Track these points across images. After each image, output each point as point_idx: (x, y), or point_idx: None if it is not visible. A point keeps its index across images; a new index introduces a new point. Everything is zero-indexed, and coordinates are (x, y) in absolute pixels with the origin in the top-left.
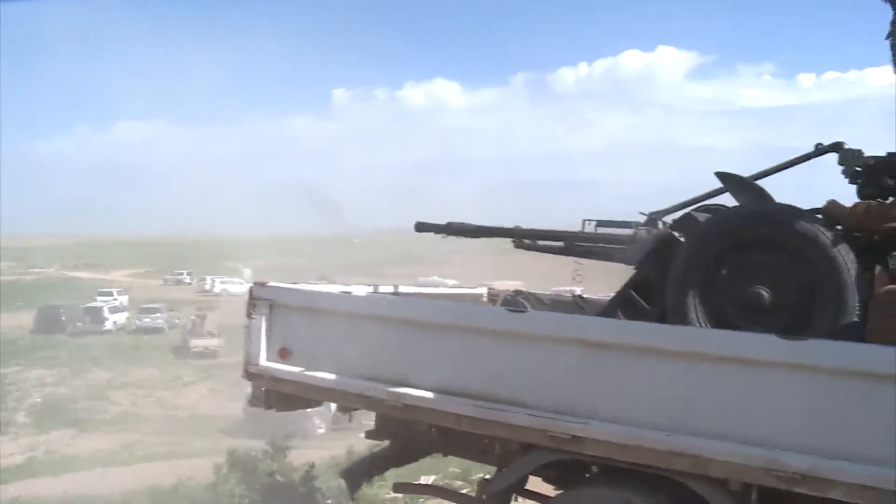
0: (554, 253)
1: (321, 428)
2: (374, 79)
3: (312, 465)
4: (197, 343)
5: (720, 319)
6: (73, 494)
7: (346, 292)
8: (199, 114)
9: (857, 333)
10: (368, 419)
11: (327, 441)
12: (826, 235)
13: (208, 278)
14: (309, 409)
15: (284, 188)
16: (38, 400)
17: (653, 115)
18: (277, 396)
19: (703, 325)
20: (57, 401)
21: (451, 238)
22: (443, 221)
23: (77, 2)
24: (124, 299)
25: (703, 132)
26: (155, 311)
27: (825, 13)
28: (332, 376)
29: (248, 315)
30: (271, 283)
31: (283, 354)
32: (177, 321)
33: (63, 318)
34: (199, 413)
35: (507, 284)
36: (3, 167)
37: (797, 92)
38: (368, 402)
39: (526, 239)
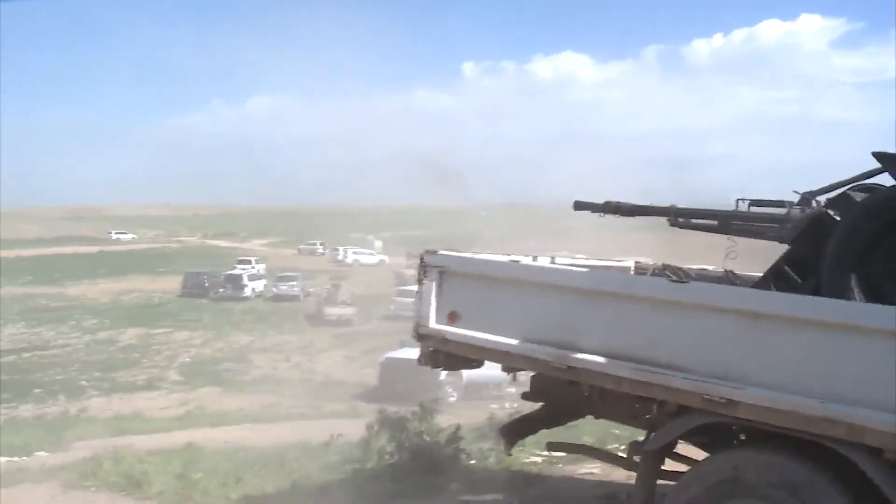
0: (709, 231)
1: (453, 397)
2: (503, 52)
3: (458, 427)
4: (331, 311)
5: (875, 295)
6: (231, 445)
7: (513, 261)
8: (328, 89)
9: None
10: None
11: (459, 410)
12: None
13: (340, 248)
14: (441, 378)
15: (410, 161)
16: (188, 360)
17: (793, 87)
18: (445, 357)
19: (860, 299)
20: (203, 361)
21: (577, 213)
22: (570, 197)
23: None
24: (262, 267)
25: (849, 106)
26: (291, 279)
27: None
28: (499, 338)
29: (419, 280)
30: (442, 251)
31: (452, 317)
32: (311, 290)
33: (206, 284)
34: (334, 379)
35: (647, 261)
36: (151, 141)
37: None
38: (534, 363)
39: (681, 217)
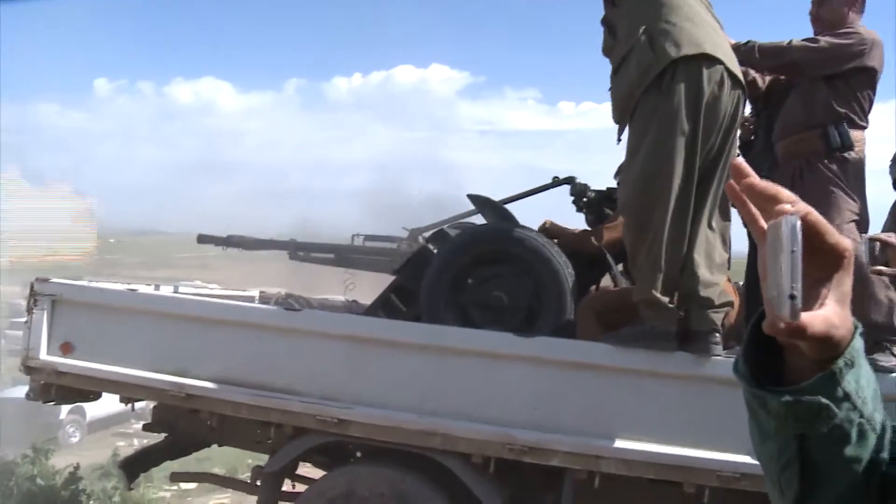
0: (327, 264)
1: (75, 437)
2: (140, 72)
3: (77, 466)
4: None
5: (466, 320)
6: None
7: (131, 289)
8: None
9: (572, 332)
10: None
11: (82, 449)
12: (549, 250)
13: None
14: (62, 417)
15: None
16: None
17: (424, 129)
18: (57, 390)
19: (452, 324)
20: None
21: (212, 245)
22: (203, 225)
23: None
24: None
25: (472, 149)
26: None
27: (584, 47)
28: (116, 369)
29: (29, 310)
30: (54, 280)
31: (66, 349)
32: None
33: None
34: None
35: (272, 290)
36: None
37: (558, 118)
38: (151, 392)
39: (301, 251)
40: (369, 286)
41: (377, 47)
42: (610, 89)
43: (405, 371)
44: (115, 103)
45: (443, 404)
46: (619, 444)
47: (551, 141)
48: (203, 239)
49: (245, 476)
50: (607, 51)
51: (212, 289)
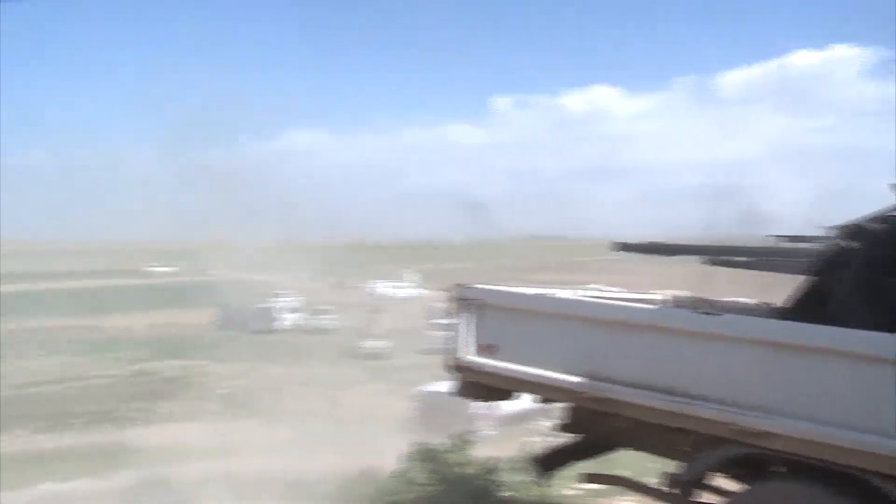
0: (746, 268)
1: (489, 430)
2: (533, 86)
3: (495, 459)
4: (367, 344)
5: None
6: (269, 475)
7: (549, 294)
8: (361, 124)
9: None
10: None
11: (495, 442)
12: None
13: (374, 282)
14: (477, 410)
15: (440, 195)
16: (225, 391)
17: (826, 117)
18: (479, 388)
19: (877, 328)
20: (239, 393)
21: (603, 247)
22: (599, 229)
23: None
24: (296, 300)
25: (880, 134)
26: (326, 312)
27: None
28: (536, 370)
29: (454, 313)
30: (477, 285)
31: (488, 350)
32: (347, 323)
33: (241, 317)
34: (370, 411)
35: (679, 294)
36: (177, 176)
37: None
38: (571, 395)
39: (722, 255)
40: (779, 287)
41: (768, 34)
42: None
43: (840, 382)
44: (511, 118)
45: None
46: None
47: None
48: (625, 247)
49: (652, 480)
50: None
51: (615, 292)
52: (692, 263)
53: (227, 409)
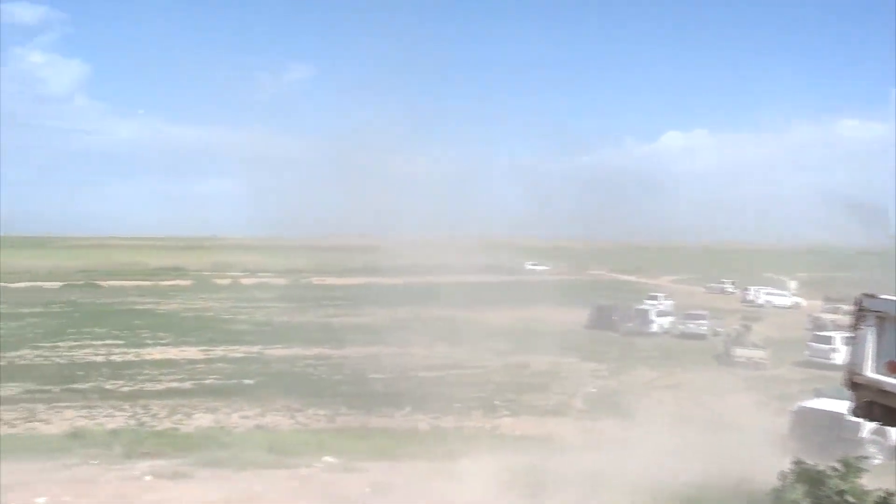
0: None
1: (877, 458)
2: None
3: (888, 492)
4: (741, 353)
5: None
6: (637, 475)
7: None
8: (743, 122)
9: None
10: None
11: (885, 473)
12: None
13: (752, 288)
14: (864, 436)
15: (824, 197)
16: (593, 390)
17: None
18: (882, 409)
19: None
20: (607, 392)
21: None
22: None
23: None
24: (669, 304)
25: None
26: (699, 317)
27: None
28: None
29: (854, 326)
30: (883, 296)
31: (893, 368)
32: (720, 329)
33: (614, 318)
34: (740, 422)
35: None
36: (562, 177)
37: None
38: None
39: None
40: None
41: None
42: None
43: None
44: None
45: None
46: None
47: None
48: None
49: None
50: None
51: None
52: None
53: (594, 407)
